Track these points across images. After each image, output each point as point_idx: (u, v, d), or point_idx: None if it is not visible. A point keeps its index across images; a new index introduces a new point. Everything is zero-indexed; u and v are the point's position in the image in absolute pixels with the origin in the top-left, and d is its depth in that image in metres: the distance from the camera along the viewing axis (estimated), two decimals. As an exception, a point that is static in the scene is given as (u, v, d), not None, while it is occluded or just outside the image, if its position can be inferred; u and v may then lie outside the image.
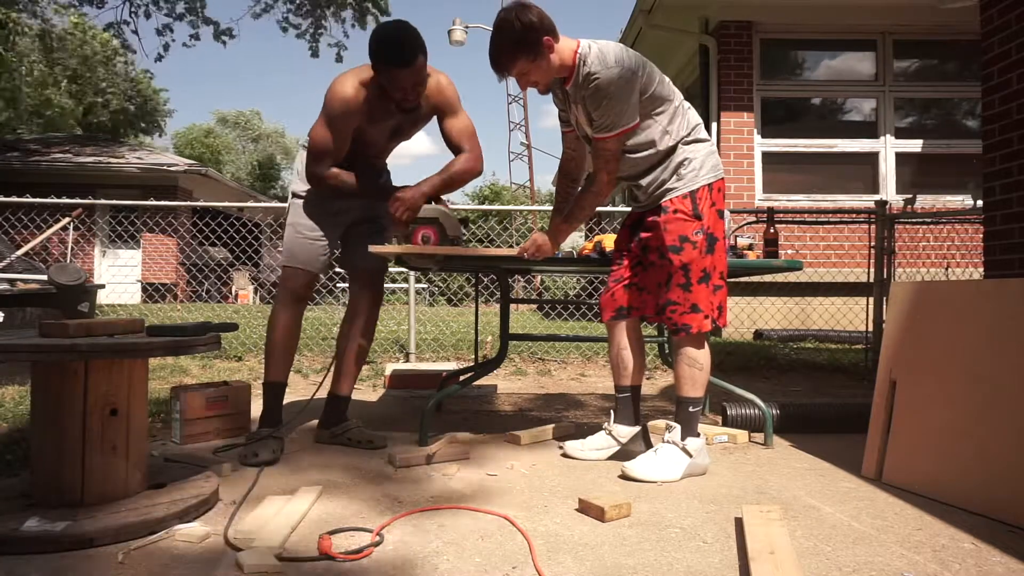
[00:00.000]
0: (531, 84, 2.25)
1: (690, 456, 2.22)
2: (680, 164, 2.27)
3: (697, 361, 2.27)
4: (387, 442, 2.60)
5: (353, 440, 2.59)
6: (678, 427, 2.25)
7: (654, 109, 2.24)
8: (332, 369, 2.72)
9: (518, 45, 2.12)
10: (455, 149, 2.55)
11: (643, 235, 2.34)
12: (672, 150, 2.28)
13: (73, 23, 16.76)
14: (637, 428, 2.41)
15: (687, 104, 2.35)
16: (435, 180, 2.47)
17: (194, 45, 11.37)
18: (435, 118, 2.56)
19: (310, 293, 2.64)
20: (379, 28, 2.37)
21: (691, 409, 2.27)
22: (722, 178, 2.32)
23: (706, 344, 2.30)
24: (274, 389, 2.55)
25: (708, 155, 2.30)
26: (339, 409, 2.67)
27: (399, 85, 2.32)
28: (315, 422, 2.76)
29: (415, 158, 64.57)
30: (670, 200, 2.26)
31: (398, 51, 2.27)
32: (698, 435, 2.27)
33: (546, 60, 2.16)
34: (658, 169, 2.29)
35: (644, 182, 2.32)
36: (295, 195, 2.58)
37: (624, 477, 2.19)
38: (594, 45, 2.19)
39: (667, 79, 2.31)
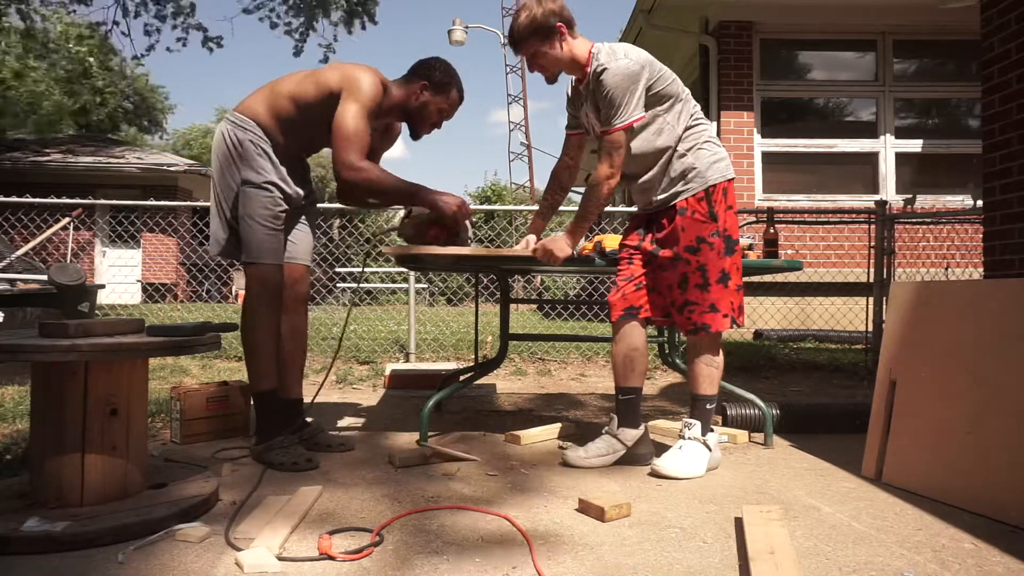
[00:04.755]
0: (539, 68, 2.37)
1: (709, 450, 2.30)
2: (687, 169, 2.29)
3: (715, 360, 2.35)
4: (355, 445, 2.59)
5: (322, 444, 2.50)
6: (698, 423, 2.31)
7: (659, 105, 2.29)
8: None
9: (533, 25, 2.28)
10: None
11: (657, 235, 2.35)
12: (675, 150, 2.31)
13: (65, 25, 16.72)
14: (642, 430, 2.37)
15: (695, 104, 2.38)
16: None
17: (179, 50, 11.39)
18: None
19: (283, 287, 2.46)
20: (445, 61, 2.49)
21: (708, 406, 2.35)
22: (732, 179, 2.34)
23: (720, 344, 2.38)
24: (273, 396, 2.42)
25: (718, 159, 2.32)
26: (298, 414, 2.53)
27: (446, 114, 2.50)
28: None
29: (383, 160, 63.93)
30: (685, 201, 2.28)
31: (462, 88, 2.49)
32: (712, 430, 2.35)
33: (556, 47, 2.30)
34: (660, 168, 2.32)
35: (645, 180, 2.34)
36: (250, 184, 2.33)
37: (654, 475, 2.23)
38: (607, 44, 2.31)
39: (676, 78, 2.34)
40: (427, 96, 2.44)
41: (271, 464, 2.28)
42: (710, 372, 2.35)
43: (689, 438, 2.30)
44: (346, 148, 2.25)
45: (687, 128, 2.32)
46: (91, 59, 14.84)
